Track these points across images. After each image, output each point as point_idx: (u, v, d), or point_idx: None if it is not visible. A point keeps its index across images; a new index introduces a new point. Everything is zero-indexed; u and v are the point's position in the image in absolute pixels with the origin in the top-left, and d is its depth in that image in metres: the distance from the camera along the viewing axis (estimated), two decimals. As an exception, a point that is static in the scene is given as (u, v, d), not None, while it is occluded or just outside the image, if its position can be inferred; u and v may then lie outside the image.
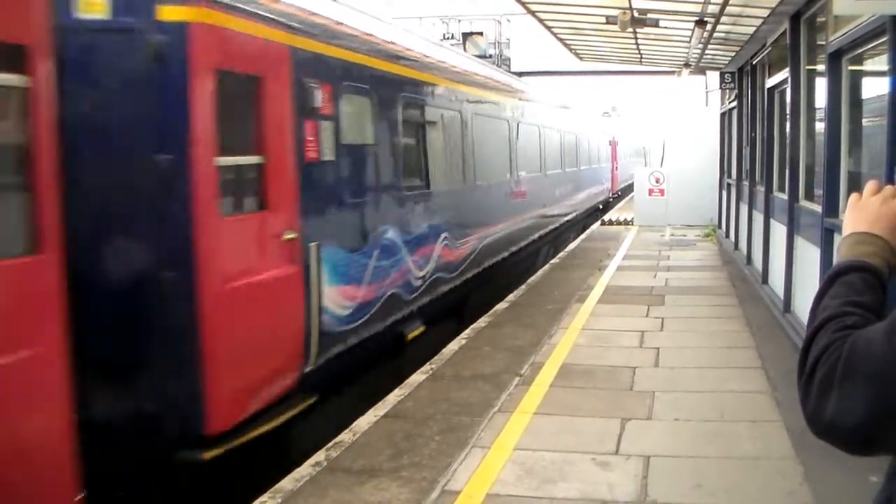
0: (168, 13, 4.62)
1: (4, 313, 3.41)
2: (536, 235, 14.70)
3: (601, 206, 25.85)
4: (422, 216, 8.49)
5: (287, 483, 4.83)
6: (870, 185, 1.45)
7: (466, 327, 9.11)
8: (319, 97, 6.09)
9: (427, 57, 9.32)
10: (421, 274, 8.39)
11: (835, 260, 1.41)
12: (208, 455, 4.78)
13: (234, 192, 5.24)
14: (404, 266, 7.91)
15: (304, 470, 5.01)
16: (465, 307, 10.29)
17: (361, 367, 7.06)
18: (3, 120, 3.66)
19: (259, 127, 5.39)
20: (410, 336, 8.16)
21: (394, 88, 7.80)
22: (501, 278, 11.99)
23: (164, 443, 4.72)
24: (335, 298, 6.34)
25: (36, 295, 3.55)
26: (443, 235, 9.09)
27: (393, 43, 8.18)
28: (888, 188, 1.43)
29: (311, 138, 6.00)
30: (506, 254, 12.26)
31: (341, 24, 6.83)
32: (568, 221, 18.55)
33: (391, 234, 7.59)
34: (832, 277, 1.35)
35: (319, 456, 5.23)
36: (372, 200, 7.24)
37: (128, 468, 4.58)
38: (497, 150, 12.04)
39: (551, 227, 16.36)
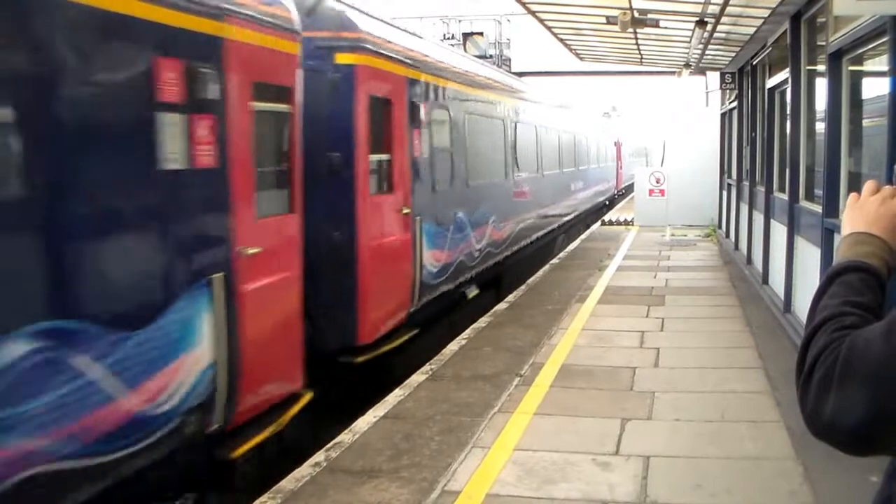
0: (340, 58, 6.94)
1: (277, 247, 5.48)
2: (556, 224, 17.22)
3: (607, 203, 28.56)
4: (480, 203, 10.83)
5: (287, 483, 4.84)
6: (868, 186, 1.45)
7: (505, 295, 11.21)
8: (421, 112, 8.48)
9: (481, 76, 11.88)
10: (479, 247, 10.75)
11: (834, 260, 1.41)
12: (358, 359, 7.06)
13: (376, 178, 7.46)
14: (469, 240, 10.27)
15: (304, 470, 5.01)
16: (502, 278, 12.38)
17: (440, 314, 9.37)
18: (280, 133, 5.83)
19: (388, 133, 7.68)
20: (470, 296, 10.44)
21: (461, 103, 10.18)
22: (527, 258, 14.23)
23: (330, 350, 6.85)
24: (429, 259, 8.69)
25: (290, 237, 5.73)
26: (492, 218, 11.40)
27: (461, 68, 10.69)
28: (887, 188, 1.43)
29: (416, 142, 8.31)
30: (532, 238, 14.52)
31: (427, 56, 9.08)
32: (579, 214, 21.05)
33: (461, 214, 9.97)
34: (831, 277, 1.35)
35: (319, 456, 5.23)
36: (450, 188, 9.57)
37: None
38: (529, 151, 14.32)
39: (567, 217, 18.77)
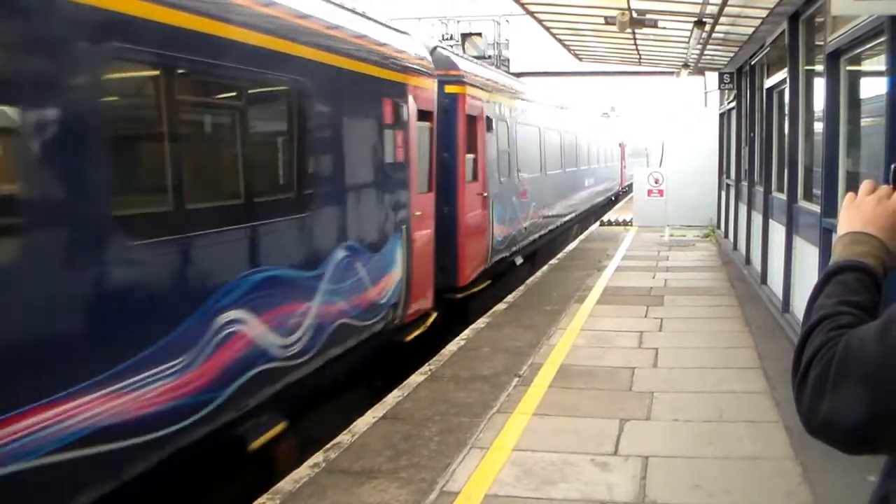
0: (448, 89, 9.96)
1: (423, 215, 8.41)
2: (574, 213, 20.38)
3: (613, 198, 31.91)
4: (526, 192, 13.99)
5: (286, 484, 4.83)
6: (865, 185, 1.45)
7: (539, 267, 14.16)
8: (492, 124, 11.70)
9: (524, 92, 15.21)
10: (524, 226, 13.85)
11: (830, 259, 1.41)
12: (459, 296, 10.29)
13: (468, 171, 10.56)
14: (519, 220, 13.38)
15: (303, 471, 5.01)
16: (536, 254, 15.41)
17: (500, 274, 12.41)
18: (426, 140, 8.74)
19: (473, 139, 10.80)
20: (518, 263, 13.66)
21: (512, 115, 13.20)
22: (553, 240, 17.55)
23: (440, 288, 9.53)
24: (497, 231, 11.82)
25: (429, 207, 8.74)
26: (532, 205, 14.60)
27: (512, 87, 14.05)
28: (883, 188, 1.43)
29: (489, 145, 11.42)
30: (558, 223, 17.80)
31: (495, 81, 12.60)
32: (591, 206, 24.39)
33: (514, 199, 13.17)
34: (827, 277, 1.35)
35: (318, 457, 5.23)
36: (508, 179, 12.77)
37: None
38: (555, 152, 17.59)
39: (582, 208, 22.15)
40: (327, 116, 6.28)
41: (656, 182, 18.77)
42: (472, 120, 10.62)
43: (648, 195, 18.85)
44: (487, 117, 11.34)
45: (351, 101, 6.69)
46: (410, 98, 7.98)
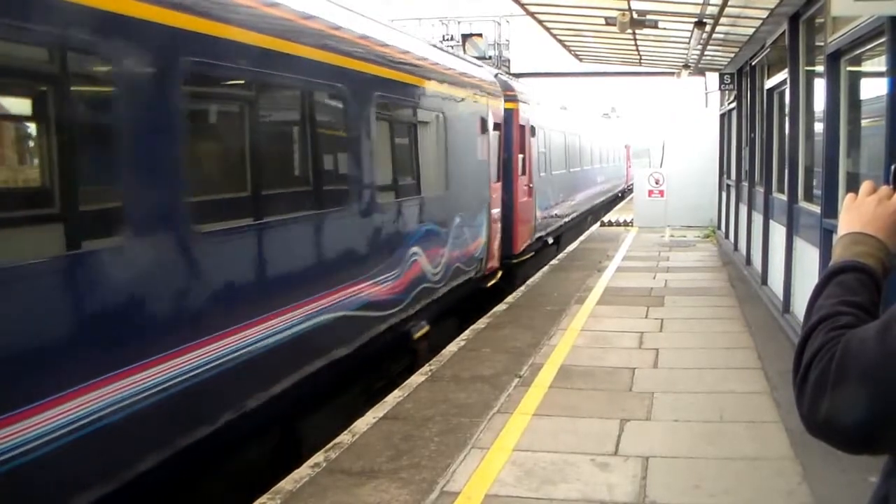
0: (507, 105, 12.74)
1: (496, 195, 11.84)
2: (589, 205, 23.90)
3: (620, 194, 35.29)
4: (555, 186, 17.41)
5: (287, 484, 4.84)
6: (865, 186, 1.45)
7: (563, 248, 17.38)
8: (535, 131, 14.71)
9: (553, 105, 19.22)
10: (556, 212, 17.35)
11: (830, 260, 1.41)
12: (514, 262, 13.11)
13: (520, 167, 13.40)
14: (552, 208, 16.70)
15: (304, 471, 5.02)
16: (560, 238, 18.29)
17: (540, 248, 15.55)
18: (497, 148, 12.10)
19: (522, 143, 13.53)
20: (550, 243, 16.76)
21: (546, 122, 16.38)
22: (573, 227, 20.50)
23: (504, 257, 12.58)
24: (539, 214, 14.99)
25: (498, 193, 12.05)
26: (561, 195, 18.06)
27: (545, 100, 17.48)
28: (884, 189, 1.43)
29: (533, 148, 14.50)
30: (577, 212, 21.01)
31: (533, 97, 15.29)
32: (603, 199, 28.26)
33: (549, 191, 16.46)
34: (827, 277, 1.35)
35: (318, 457, 5.24)
36: (545, 174, 16.00)
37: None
38: (576, 153, 21.18)
39: (596, 200, 26.01)
40: (456, 133, 9.76)
41: (657, 183, 18.80)
42: (522, 128, 13.59)
43: (649, 196, 18.88)
44: (532, 126, 14.43)
45: (463, 121, 10.20)
46: (490, 113, 11.48)
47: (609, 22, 9.60)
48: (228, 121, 5.50)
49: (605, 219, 23.61)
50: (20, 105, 3.86)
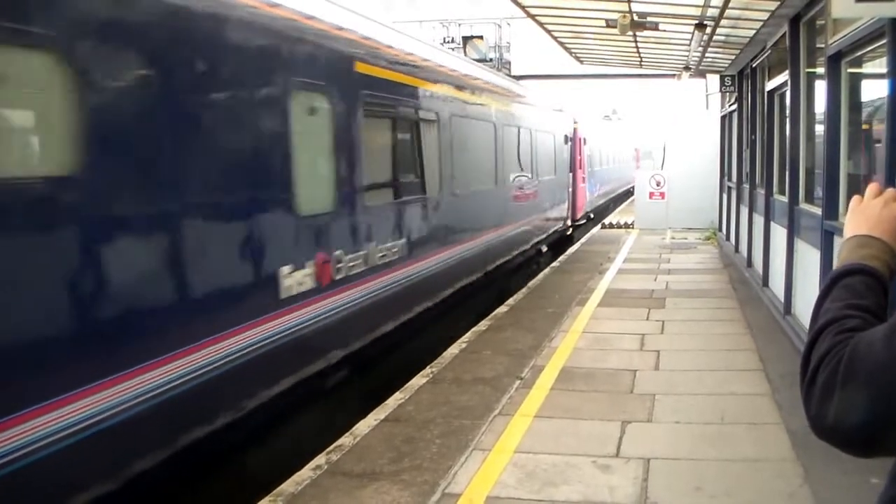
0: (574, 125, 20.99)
1: (571, 179, 20.01)
2: (607, 199, 29.87)
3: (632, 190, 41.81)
4: (595, 178, 24.92)
5: (288, 486, 4.84)
6: (871, 188, 1.45)
7: (595, 224, 23.69)
8: (584, 141, 22.30)
9: (589, 120, 25.58)
10: (590, 198, 23.39)
11: (835, 263, 1.41)
12: (572, 225, 20.34)
13: (577, 165, 21.08)
14: (593, 193, 24.28)
15: (305, 473, 5.02)
16: (593, 217, 24.12)
17: (579, 225, 21.38)
18: (570, 152, 20.22)
19: (580, 150, 21.38)
20: (591, 217, 23.55)
21: (591, 134, 23.81)
22: (601, 211, 27.17)
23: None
24: (586, 199, 22.49)
25: (574, 179, 20.49)
26: (597, 186, 25.62)
27: (587, 117, 25.13)
28: (890, 191, 1.43)
29: (585, 153, 22.47)
30: (603, 200, 28.08)
31: (583, 119, 22.92)
32: (619, 192, 34.66)
33: (591, 181, 23.83)
34: (833, 281, 1.34)
35: (320, 459, 5.24)
36: (589, 170, 23.37)
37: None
38: (602, 155, 28.34)
39: (614, 192, 32.69)
40: (559, 144, 17.42)
41: (658, 185, 18.81)
42: (580, 140, 20.95)
43: (650, 198, 18.88)
44: (583, 138, 21.60)
45: (559, 136, 17.73)
46: (570, 132, 19.51)
47: (610, 24, 9.60)
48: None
49: (606, 221, 23.62)
50: (391, 136, 8.06)
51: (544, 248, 15.92)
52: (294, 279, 5.45)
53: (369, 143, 6.90)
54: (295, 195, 5.52)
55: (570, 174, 19.25)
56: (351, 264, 6.37)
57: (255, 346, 4.98)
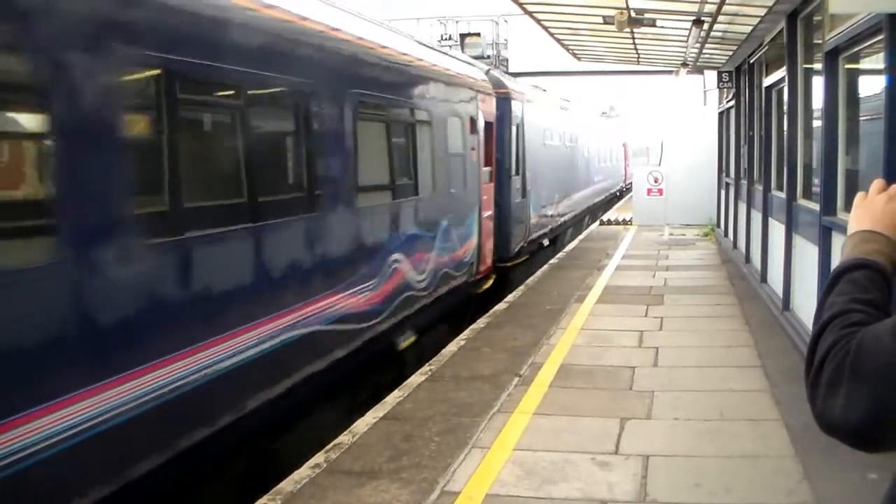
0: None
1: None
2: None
3: (619, 192, 37.96)
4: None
5: (287, 485, 4.83)
6: (876, 184, 1.45)
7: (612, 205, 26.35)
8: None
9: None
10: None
11: (839, 258, 1.41)
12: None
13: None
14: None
15: (304, 472, 5.01)
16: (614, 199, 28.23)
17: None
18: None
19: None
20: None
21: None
22: (603, 203, 27.89)
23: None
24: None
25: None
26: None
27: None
28: (894, 187, 1.43)
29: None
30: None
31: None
32: (614, 190, 34.19)
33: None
34: (837, 275, 1.34)
35: (319, 458, 5.23)
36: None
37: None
38: (607, 155, 29.76)
39: (611, 189, 32.43)
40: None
41: (656, 181, 18.75)
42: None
43: (648, 194, 18.84)
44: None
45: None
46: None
47: (607, 21, 9.59)
48: None
49: (605, 217, 23.63)
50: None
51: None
52: None
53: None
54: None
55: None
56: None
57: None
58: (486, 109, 11.49)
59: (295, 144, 6.06)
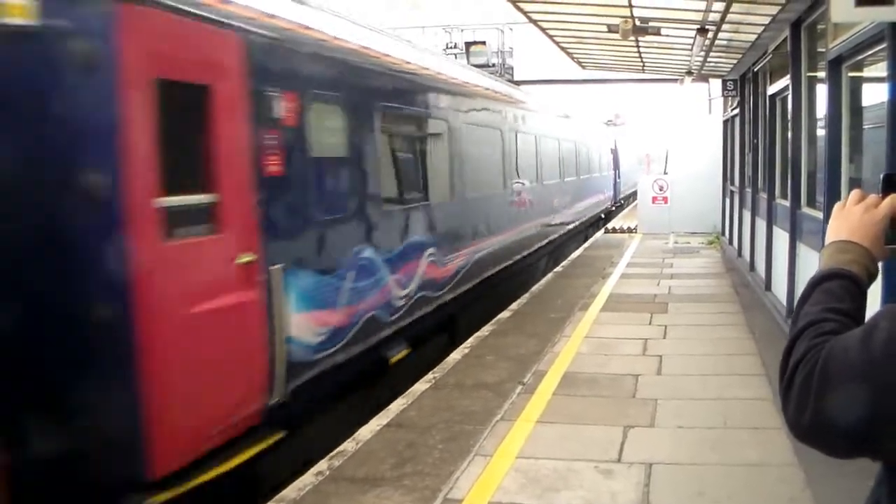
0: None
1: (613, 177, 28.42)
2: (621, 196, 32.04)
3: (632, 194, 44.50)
4: (624, 176, 31.85)
5: (290, 492, 4.85)
6: (853, 194, 1.47)
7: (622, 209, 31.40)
8: (618, 150, 31.84)
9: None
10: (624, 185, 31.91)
11: (818, 268, 1.42)
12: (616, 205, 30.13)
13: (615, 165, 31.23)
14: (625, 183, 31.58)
15: (307, 479, 5.03)
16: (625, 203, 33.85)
17: (620, 204, 31.71)
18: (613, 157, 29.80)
19: (617, 155, 32.72)
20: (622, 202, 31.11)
21: (620, 146, 32.93)
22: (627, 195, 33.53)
23: None
24: (620, 186, 31.24)
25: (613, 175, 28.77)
26: (624, 180, 32.40)
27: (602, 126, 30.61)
28: (872, 197, 1.45)
29: (618, 157, 32.25)
30: (620, 198, 30.40)
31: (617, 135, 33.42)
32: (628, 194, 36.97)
33: (622, 177, 31.37)
34: (813, 285, 1.37)
35: (322, 465, 5.25)
36: (618, 170, 30.54)
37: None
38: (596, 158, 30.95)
39: (627, 192, 35.42)
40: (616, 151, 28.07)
41: (661, 189, 18.80)
42: (615, 150, 21.85)
43: (653, 202, 18.87)
44: (615, 147, 22.20)
45: (607, 146, 27.52)
46: (614, 144, 26.97)
47: (611, 29, 9.61)
48: None
49: (610, 225, 23.63)
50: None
51: None
52: None
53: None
54: None
55: (614, 172, 27.34)
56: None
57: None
58: (612, 144, 23.00)
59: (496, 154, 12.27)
